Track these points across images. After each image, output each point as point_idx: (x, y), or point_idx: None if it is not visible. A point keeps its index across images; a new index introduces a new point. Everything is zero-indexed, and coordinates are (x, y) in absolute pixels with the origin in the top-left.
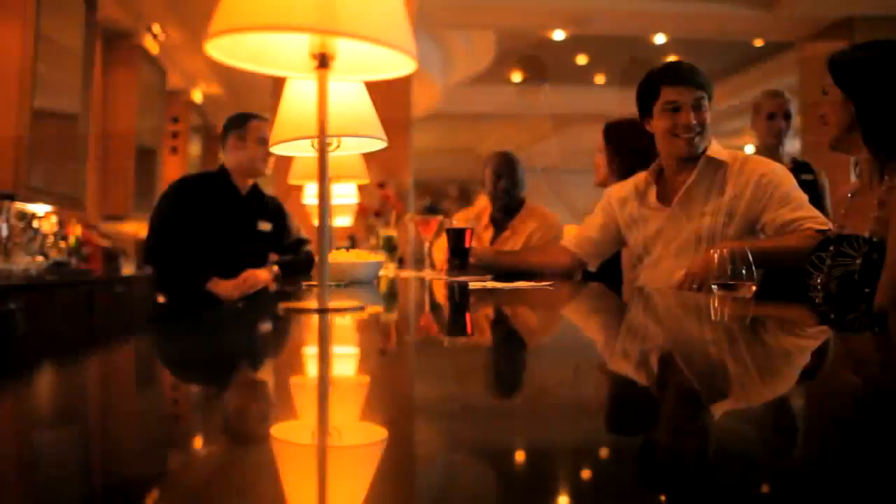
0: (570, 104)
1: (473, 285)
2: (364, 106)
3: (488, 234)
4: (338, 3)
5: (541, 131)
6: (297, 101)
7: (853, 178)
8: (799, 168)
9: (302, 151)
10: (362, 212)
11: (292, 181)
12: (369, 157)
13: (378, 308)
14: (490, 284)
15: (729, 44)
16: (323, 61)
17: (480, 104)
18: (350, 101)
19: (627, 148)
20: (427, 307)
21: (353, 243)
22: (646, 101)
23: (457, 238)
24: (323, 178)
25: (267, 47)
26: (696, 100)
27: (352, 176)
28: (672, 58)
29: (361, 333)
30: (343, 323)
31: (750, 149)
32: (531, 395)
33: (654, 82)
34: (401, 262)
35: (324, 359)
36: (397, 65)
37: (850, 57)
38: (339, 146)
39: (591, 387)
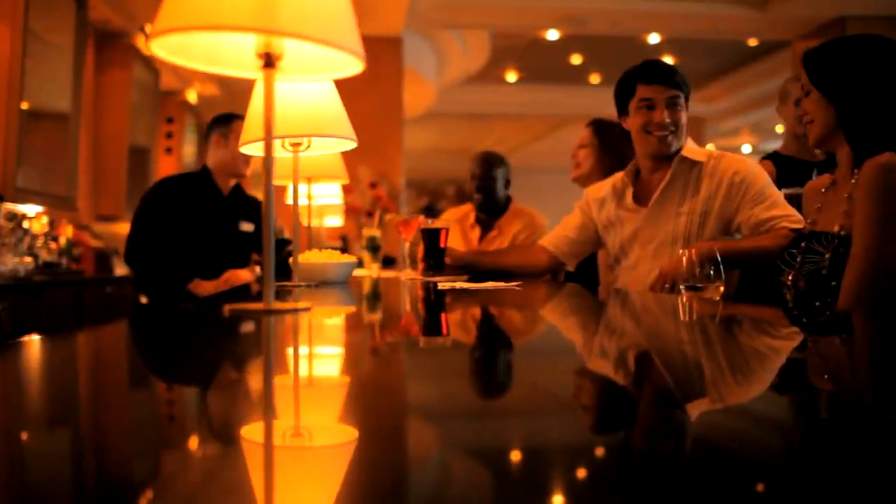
0: (565, 104)
1: (442, 285)
2: (333, 106)
3: (475, 234)
4: (280, 2)
5: (539, 131)
6: None
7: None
8: (832, 161)
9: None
10: (354, 212)
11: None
12: (361, 158)
13: (325, 310)
14: (459, 285)
15: (723, 43)
16: (268, 61)
17: (478, 104)
18: (319, 100)
19: (619, 148)
20: (384, 307)
21: (345, 244)
22: (623, 98)
23: (431, 238)
24: (269, 179)
25: (217, 46)
26: (670, 98)
27: (331, 176)
28: (667, 57)
29: (295, 335)
30: (283, 324)
31: (747, 149)
32: (477, 395)
33: (630, 79)
34: (388, 263)
35: (244, 360)
36: (345, 65)
37: (823, 55)
38: (309, 146)
39: (546, 384)
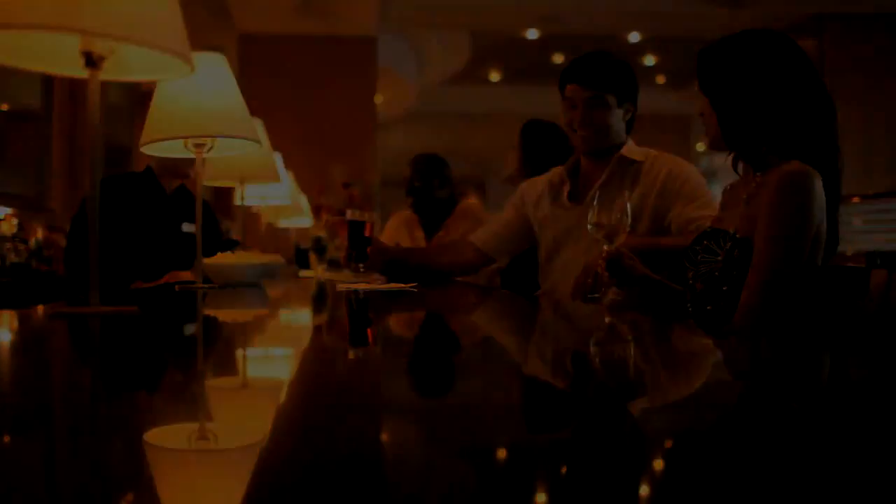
0: (552, 103)
1: (340, 287)
2: (236, 106)
3: (421, 235)
4: (90, 1)
5: None
6: (168, 101)
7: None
8: None
9: (174, 152)
10: (327, 212)
11: (204, 182)
12: (334, 158)
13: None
14: (357, 286)
15: (704, 42)
16: (90, 60)
17: (464, 104)
18: (220, 101)
19: (540, 149)
20: (245, 311)
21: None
22: (561, 93)
23: (354, 229)
24: (95, 181)
25: (43, 45)
26: (590, 99)
27: (262, 177)
28: (648, 57)
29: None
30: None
31: None
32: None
33: (563, 75)
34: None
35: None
36: (174, 67)
37: (707, 52)
38: (213, 147)
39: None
